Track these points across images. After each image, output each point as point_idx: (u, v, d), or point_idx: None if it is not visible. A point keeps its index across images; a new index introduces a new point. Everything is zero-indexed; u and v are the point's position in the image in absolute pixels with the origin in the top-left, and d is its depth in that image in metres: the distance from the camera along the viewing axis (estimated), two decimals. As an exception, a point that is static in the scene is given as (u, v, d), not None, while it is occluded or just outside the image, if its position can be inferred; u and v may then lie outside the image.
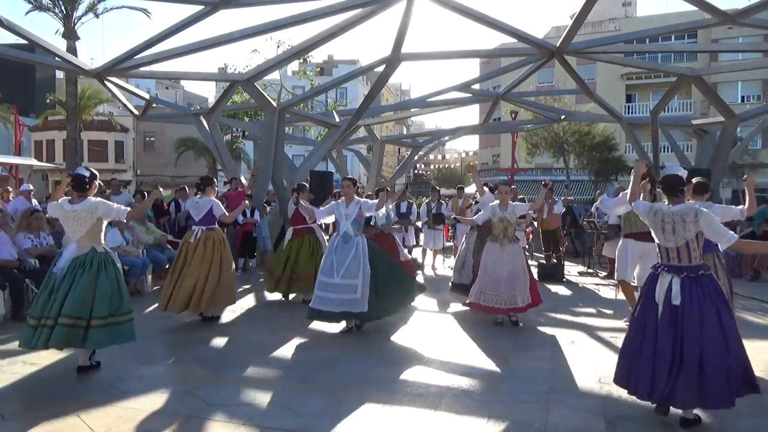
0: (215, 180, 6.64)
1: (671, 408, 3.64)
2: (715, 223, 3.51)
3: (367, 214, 6.14)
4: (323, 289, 5.79)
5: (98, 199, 4.54)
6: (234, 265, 6.57)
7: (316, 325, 6.06)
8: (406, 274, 6.54)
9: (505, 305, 6.19)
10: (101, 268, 4.36)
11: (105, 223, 4.55)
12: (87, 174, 4.46)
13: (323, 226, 7.71)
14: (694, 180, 4.46)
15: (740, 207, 4.70)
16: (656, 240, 3.74)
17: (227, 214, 6.24)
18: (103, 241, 4.54)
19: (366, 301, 5.70)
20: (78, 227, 4.40)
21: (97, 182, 4.59)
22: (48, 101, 26.56)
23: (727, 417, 3.80)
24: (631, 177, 4.25)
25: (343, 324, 6.02)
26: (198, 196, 6.19)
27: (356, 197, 6.11)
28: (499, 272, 6.18)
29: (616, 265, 6.53)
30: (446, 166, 63.07)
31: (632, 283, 6.14)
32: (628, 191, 4.32)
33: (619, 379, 3.79)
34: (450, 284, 7.64)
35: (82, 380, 4.38)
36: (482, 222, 6.64)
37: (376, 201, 6.16)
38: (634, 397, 4.06)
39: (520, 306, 6.19)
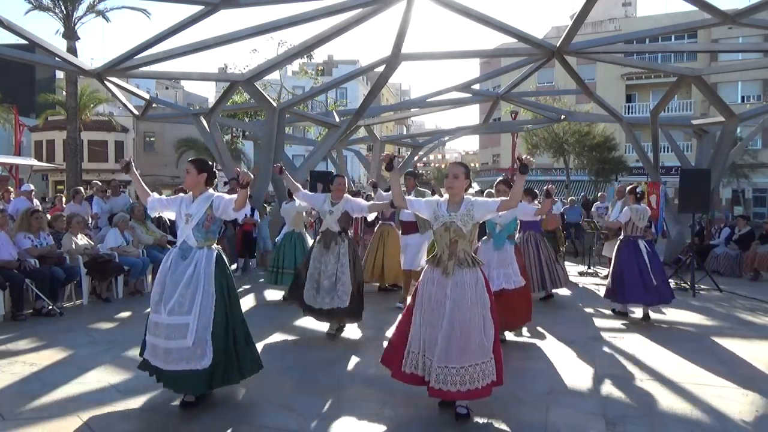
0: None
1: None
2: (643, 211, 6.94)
3: (225, 217, 3.93)
4: (152, 333, 3.77)
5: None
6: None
7: (316, 325, 6.04)
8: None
9: (444, 384, 3.49)
10: (299, 241, 7.61)
11: (304, 214, 7.76)
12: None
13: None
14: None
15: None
16: (633, 222, 6.81)
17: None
18: (302, 227, 7.80)
19: (207, 354, 3.62)
20: (288, 218, 7.79)
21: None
22: (48, 101, 26.53)
23: (727, 417, 3.82)
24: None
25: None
26: None
27: (211, 191, 3.94)
28: (436, 321, 3.61)
29: (405, 258, 7.12)
30: (446, 165, 63.07)
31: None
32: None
33: (609, 295, 6.98)
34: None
35: (81, 380, 4.38)
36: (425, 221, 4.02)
37: (234, 197, 3.79)
38: (634, 398, 4.07)
39: (475, 388, 3.51)
